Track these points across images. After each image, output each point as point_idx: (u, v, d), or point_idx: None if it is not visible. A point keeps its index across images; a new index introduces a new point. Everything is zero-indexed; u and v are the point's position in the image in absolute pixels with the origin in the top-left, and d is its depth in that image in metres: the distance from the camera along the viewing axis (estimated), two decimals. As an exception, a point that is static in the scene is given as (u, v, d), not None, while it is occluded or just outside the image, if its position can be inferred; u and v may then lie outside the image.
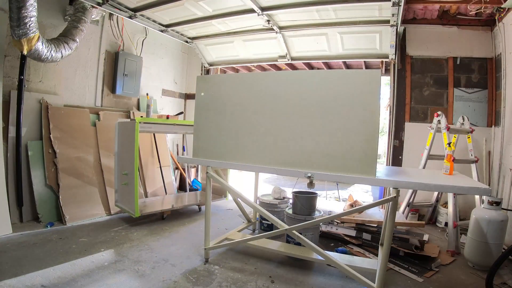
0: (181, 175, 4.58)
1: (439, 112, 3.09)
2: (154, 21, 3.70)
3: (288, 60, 4.17)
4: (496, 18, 3.22)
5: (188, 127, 3.54)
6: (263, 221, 2.96)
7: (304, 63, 5.11)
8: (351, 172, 1.80)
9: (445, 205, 3.38)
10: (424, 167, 3.15)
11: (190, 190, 4.44)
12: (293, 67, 5.49)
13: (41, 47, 2.56)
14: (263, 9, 3.15)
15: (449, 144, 2.69)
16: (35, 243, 2.43)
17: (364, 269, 1.99)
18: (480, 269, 2.33)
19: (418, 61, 3.79)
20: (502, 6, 2.90)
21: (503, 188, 2.97)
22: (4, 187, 2.63)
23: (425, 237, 2.89)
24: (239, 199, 2.82)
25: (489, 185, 3.26)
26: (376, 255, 2.48)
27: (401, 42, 3.72)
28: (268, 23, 3.42)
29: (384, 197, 3.70)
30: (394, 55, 3.62)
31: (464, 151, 3.32)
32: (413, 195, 3.36)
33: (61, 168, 3.05)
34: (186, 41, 4.36)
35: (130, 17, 3.45)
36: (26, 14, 2.26)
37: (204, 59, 4.70)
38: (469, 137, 3.20)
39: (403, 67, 3.80)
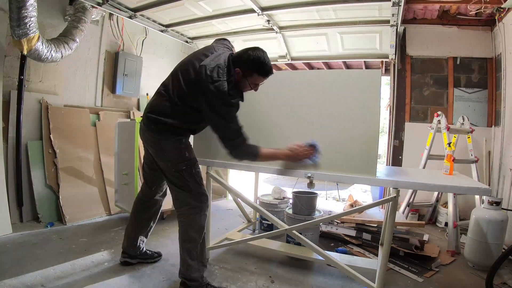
0: (181, 175, 4.57)
1: (439, 112, 3.09)
2: (154, 21, 3.70)
3: (288, 60, 4.17)
4: (496, 18, 3.22)
5: (188, 127, 3.54)
6: (263, 221, 2.96)
7: (304, 63, 5.10)
8: (351, 172, 1.80)
9: (445, 205, 3.38)
10: (424, 167, 3.15)
11: (190, 190, 4.43)
12: (293, 67, 5.49)
13: (41, 47, 2.56)
14: (263, 9, 3.15)
15: (449, 144, 2.69)
16: (35, 243, 2.43)
17: (364, 269, 1.99)
18: (480, 269, 2.33)
19: (418, 61, 3.79)
20: (502, 6, 2.90)
21: (503, 188, 2.97)
22: (4, 187, 2.63)
23: (425, 237, 2.89)
24: (239, 199, 2.82)
25: (489, 185, 3.26)
26: (376, 255, 2.48)
27: (401, 42, 3.72)
28: (268, 23, 3.42)
29: (384, 197, 3.70)
30: (394, 55, 3.62)
31: (464, 151, 3.32)
32: (413, 195, 3.36)
33: (61, 168, 3.05)
34: (186, 41, 4.36)
35: (130, 17, 3.45)
36: (26, 14, 2.26)
37: (204, 59, 4.70)
38: (469, 137, 3.20)
39: (403, 67, 3.80)
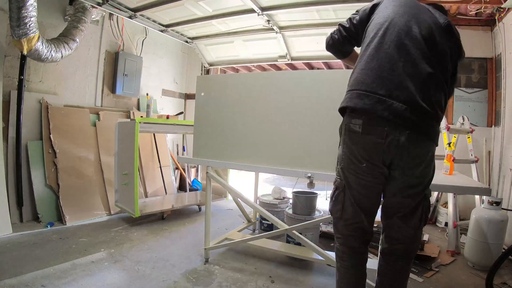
0: (181, 175, 4.58)
1: (439, 112, 3.08)
2: (154, 21, 3.70)
3: (288, 60, 4.17)
4: (496, 18, 3.21)
5: (188, 127, 3.54)
6: (263, 221, 2.96)
7: (304, 63, 5.11)
8: (351, 172, 1.79)
9: (445, 205, 3.38)
10: (424, 167, 3.14)
11: (190, 190, 4.44)
12: (293, 67, 5.49)
13: (41, 47, 2.56)
14: (263, 9, 3.15)
15: (449, 144, 2.69)
16: (35, 243, 2.43)
17: (364, 269, 1.98)
18: (480, 269, 2.33)
19: (418, 61, 3.78)
20: (502, 6, 2.90)
21: (503, 188, 2.97)
22: (4, 187, 2.63)
23: (425, 237, 2.89)
24: (239, 199, 2.82)
25: (489, 185, 3.26)
26: (376, 255, 2.48)
27: (401, 42, 3.71)
28: (268, 23, 3.42)
29: (384, 197, 3.69)
30: (394, 55, 3.61)
31: (464, 151, 3.32)
32: (413, 195, 3.35)
33: (61, 168, 3.05)
34: (186, 41, 4.36)
35: (130, 17, 3.45)
36: (26, 14, 2.27)
37: (204, 59, 4.70)
38: (469, 137, 3.19)
39: (403, 67, 3.79)
